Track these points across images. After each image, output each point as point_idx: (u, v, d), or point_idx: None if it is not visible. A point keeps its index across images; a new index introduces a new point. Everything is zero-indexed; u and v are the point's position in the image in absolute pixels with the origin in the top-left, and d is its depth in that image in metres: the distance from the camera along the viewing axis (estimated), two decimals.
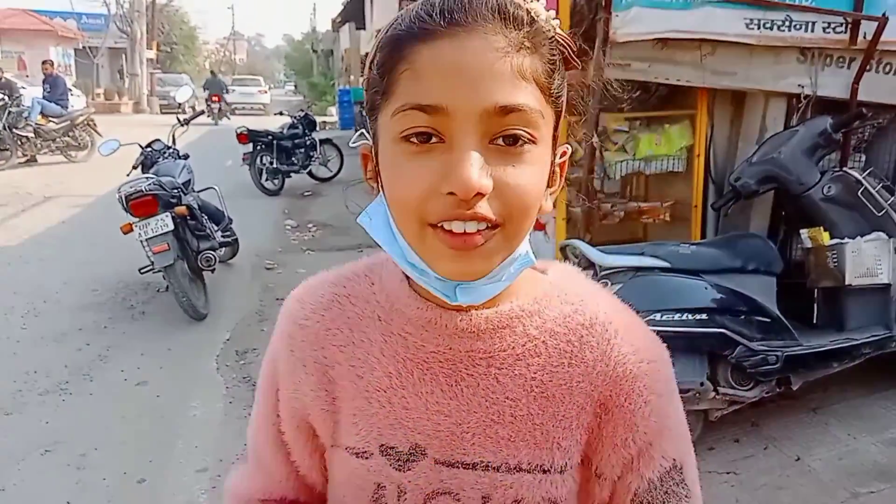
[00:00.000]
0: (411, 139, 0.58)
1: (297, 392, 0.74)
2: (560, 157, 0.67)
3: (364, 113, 0.67)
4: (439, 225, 0.58)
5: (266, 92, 30.15)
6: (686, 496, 0.71)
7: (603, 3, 3.24)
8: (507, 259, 0.62)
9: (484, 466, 0.68)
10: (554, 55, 0.61)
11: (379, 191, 0.66)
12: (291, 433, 0.76)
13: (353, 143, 0.69)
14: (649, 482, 0.70)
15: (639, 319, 0.75)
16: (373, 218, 0.67)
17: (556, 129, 0.64)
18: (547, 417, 0.68)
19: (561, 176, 0.69)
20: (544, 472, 0.68)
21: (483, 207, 0.57)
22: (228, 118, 21.20)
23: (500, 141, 0.57)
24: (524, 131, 0.58)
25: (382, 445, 0.69)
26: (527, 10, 0.59)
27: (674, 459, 0.71)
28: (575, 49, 0.63)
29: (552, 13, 0.62)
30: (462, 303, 0.64)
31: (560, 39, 0.62)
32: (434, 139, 0.57)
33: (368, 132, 0.66)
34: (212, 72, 26.27)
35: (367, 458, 0.70)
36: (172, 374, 3.89)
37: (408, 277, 0.70)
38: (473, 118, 0.56)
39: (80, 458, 3.03)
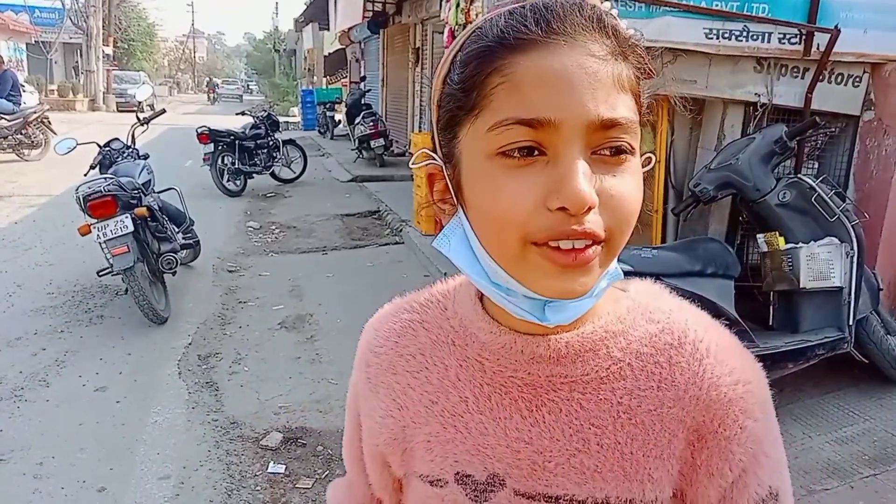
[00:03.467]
0: (513, 154, 0.54)
1: (370, 419, 0.74)
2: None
3: (436, 131, 0.63)
4: (545, 243, 0.55)
5: (241, 88, 49.89)
6: None
7: None
8: (603, 274, 0.59)
9: (568, 500, 0.64)
10: (641, 64, 0.59)
11: (452, 212, 0.64)
12: (368, 458, 0.78)
13: (414, 164, 0.64)
14: None
15: (731, 337, 0.69)
16: (451, 239, 0.63)
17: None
18: (636, 446, 0.63)
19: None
20: None
21: (593, 223, 0.54)
22: (218, 102, 39.76)
23: (603, 152, 0.55)
24: (626, 142, 0.55)
25: (458, 473, 0.67)
26: (612, 17, 0.57)
27: (769, 487, 0.65)
28: (647, 57, 0.60)
29: (625, 21, 0.59)
30: (551, 323, 0.60)
31: (641, 48, 0.59)
32: (536, 153, 0.54)
33: (437, 150, 0.63)
34: (209, 77, 49.72)
35: (441, 486, 0.68)
36: (132, 379, 3.81)
37: (481, 301, 0.68)
38: (580, 130, 0.53)
39: (37, 466, 2.95)
